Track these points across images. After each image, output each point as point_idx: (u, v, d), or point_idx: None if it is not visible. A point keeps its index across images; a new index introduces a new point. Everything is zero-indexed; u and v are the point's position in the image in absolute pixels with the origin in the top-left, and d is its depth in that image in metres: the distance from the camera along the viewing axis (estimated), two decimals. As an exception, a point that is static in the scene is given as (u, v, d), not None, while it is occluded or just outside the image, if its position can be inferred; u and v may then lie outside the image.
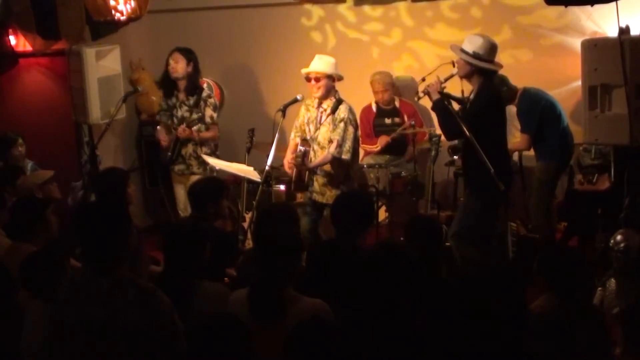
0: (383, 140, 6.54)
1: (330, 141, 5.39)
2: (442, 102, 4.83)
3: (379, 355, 2.72)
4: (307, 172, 5.51)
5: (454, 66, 4.90)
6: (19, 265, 3.51)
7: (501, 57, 5.13)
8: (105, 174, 5.10)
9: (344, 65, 6.36)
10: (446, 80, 4.92)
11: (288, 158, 5.55)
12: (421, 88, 5.05)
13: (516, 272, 3.03)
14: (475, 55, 4.78)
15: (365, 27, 7.04)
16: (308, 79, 5.44)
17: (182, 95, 5.91)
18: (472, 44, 4.81)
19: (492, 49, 4.84)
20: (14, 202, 4.61)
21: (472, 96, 4.90)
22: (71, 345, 2.80)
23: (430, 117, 6.89)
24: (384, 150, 6.59)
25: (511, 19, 6.44)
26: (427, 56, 6.82)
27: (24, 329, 3.28)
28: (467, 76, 4.89)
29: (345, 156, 5.38)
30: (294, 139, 5.65)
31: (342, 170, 5.46)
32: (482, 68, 4.80)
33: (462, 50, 4.82)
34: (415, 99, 5.38)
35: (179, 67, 5.81)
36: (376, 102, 6.73)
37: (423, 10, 6.79)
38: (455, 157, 5.58)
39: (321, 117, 5.47)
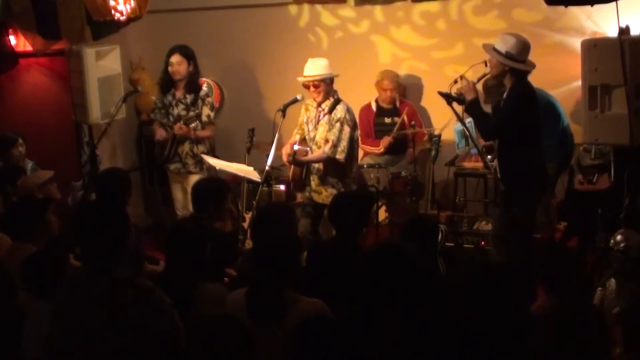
0: (385, 141, 6.53)
1: (327, 141, 5.40)
2: (477, 103, 4.80)
3: (379, 356, 2.72)
4: (303, 171, 5.52)
5: (486, 65, 4.85)
6: (19, 265, 3.51)
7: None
8: (106, 174, 5.11)
9: (344, 65, 6.38)
10: (479, 80, 4.91)
11: (286, 149, 5.56)
12: (454, 90, 4.96)
13: (516, 272, 3.03)
14: (507, 55, 4.72)
15: (365, 27, 7.05)
16: (306, 86, 5.44)
17: (179, 94, 5.91)
18: (505, 43, 4.74)
19: (524, 48, 4.76)
20: (14, 203, 4.61)
21: (504, 95, 4.85)
22: (71, 345, 2.80)
23: (429, 117, 6.91)
24: (384, 151, 6.59)
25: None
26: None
27: (25, 329, 3.28)
28: (499, 76, 4.83)
29: (340, 156, 5.37)
30: (294, 135, 5.68)
31: (337, 170, 5.47)
32: (514, 68, 4.75)
33: (495, 50, 4.77)
34: (453, 93, 5.06)
35: (182, 68, 5.82)
36: (376, 101, 6.73)
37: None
38: (489, 156, 5.47)
39: (319, 116, 5.48)
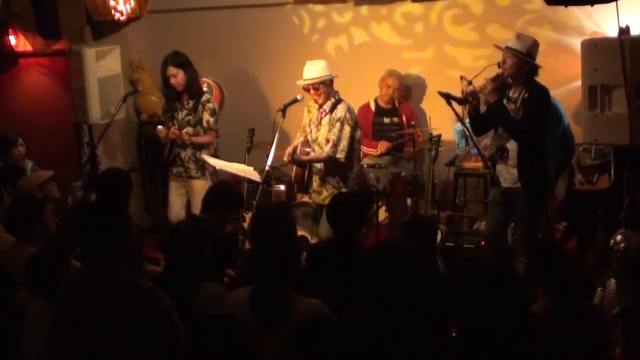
0: (384, 146, 6.54)
1: (327, 140, 5.39)
2: (500, 104, 4.81)
3: (379, 356, 2.72)
4: (305, 172, 5.51)
5: (499, 67, 4.87)
6: (19, 265, 3.51)
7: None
8: (106, 174, 5.10)
9: (343, 65, 6.40)
10: (493, 80, 4.91)
11: (288, 150, 5.57)
12: (469, 90, 4.95)
13: (516, 272, 3.03)
14: (528, 55, 4.78)
15: (365, 27, 7.05)
16: (306, 89, 5.44)
17: (184, 99, 5.90)
18: (523, 42, 4.80)
19: (538, 47, 4.88)
20: (11, 203, 4.60)
21: (525, 95, 4.83)
22: (71, 345, 2.80)
23: (427, 118, 6.91)
24: (382, 154, 6.60)
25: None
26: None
27: (25, 329, 3.28)
28: (516, 75, 4.84)
29: (340, 155, 5.35)
30: (298, 137, 5.68)
31: (338, 170, 5.46)
32: (535, 66, 4.81)
33: (517, 50, 4.79)
34: (469, 98, 5.00)
35: (179, 79, 5.77)
36: (375, 101, 6.73)
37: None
38: (504, 153, 5.41)
39: (321, 117, 5.48)
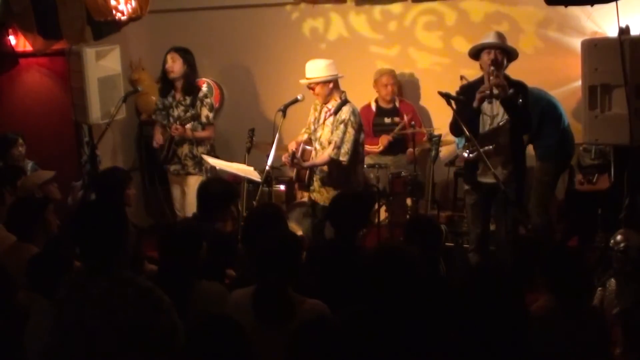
0: (385, 139, 6.54)
1: (330, 142, 5.37)
2: (512, 98, 4.88)
3: (380, 357, 2.72)
4: (306, 172, 5.51)
5: (492, 65, 4.95)
6: (21, 265, 3.51)
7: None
8: (106, 174, 5.10)
9: (343, 65, 6.39)
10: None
11: (292, 146, 5.57)
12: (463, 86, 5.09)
13: (516, 272, 3.03)
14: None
15: (364, 27, 7.05)
16: (310, 87, 5.44)
17: (178, 95, 5.91)
18: (504, 39, 4.96)
19: None
20: (12, 203, 4.60)
21: (510, 90, 4.93)
22: (72, 345, 2.80)
23: (429, 117, 6.91)
24: (384, 151, 6.59)
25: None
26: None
27: (27, 328, 3.28)
28: (501, 71, 4.98)
29: (343, 158, 5.31)
30: (302, 134, 5.67)
31: (340, 172, 5.42)
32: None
33: (507, 46, 4.94)
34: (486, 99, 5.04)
35: (176, 66, 5.81)
36: (376, 101, 6.73)
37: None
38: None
39: (324, 117, 5.46)
